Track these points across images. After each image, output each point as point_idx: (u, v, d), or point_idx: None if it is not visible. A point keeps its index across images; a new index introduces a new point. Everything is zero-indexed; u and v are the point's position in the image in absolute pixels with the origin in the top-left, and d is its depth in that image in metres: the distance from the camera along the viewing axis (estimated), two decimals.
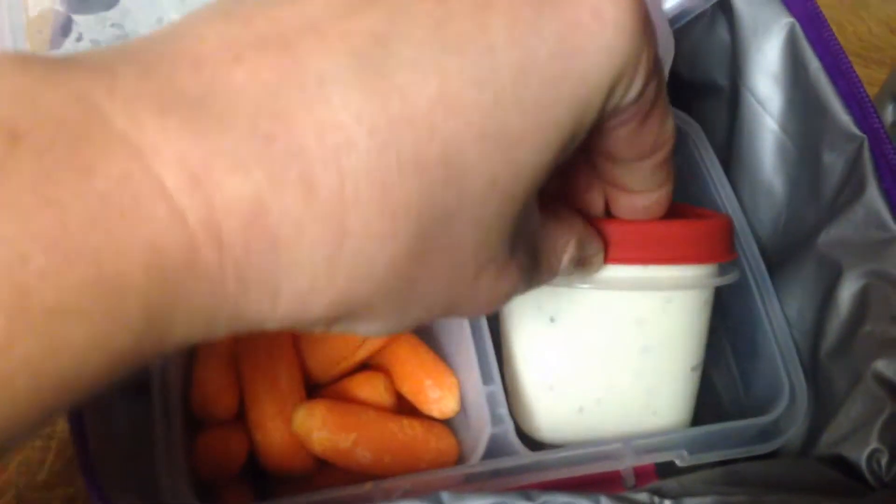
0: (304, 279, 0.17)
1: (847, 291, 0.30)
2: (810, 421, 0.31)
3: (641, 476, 0.31)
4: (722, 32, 0.37)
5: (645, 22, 0.19)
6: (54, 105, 0.15)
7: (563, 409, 0.31)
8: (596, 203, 0.26)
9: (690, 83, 0.40)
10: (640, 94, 0.20)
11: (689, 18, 0.35)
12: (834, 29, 0.48)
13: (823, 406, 0.30)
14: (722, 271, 0.30)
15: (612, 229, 0.26)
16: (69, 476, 0.38)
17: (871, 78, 0.45)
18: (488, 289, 0.20)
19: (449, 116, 0.17)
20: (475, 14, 0.17)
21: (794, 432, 0.31)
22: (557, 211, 0.24)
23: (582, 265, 0.26)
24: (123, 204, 0.14)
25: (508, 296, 0.21)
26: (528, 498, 0.25)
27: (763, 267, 0.34)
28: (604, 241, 0.26)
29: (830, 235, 0.32)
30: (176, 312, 0.16)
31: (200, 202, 0.15)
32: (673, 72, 0.40)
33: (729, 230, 0.29)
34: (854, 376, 0.29)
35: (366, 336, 0.21)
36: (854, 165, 0.31)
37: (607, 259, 0.27)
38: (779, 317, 0.33)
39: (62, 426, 0.38)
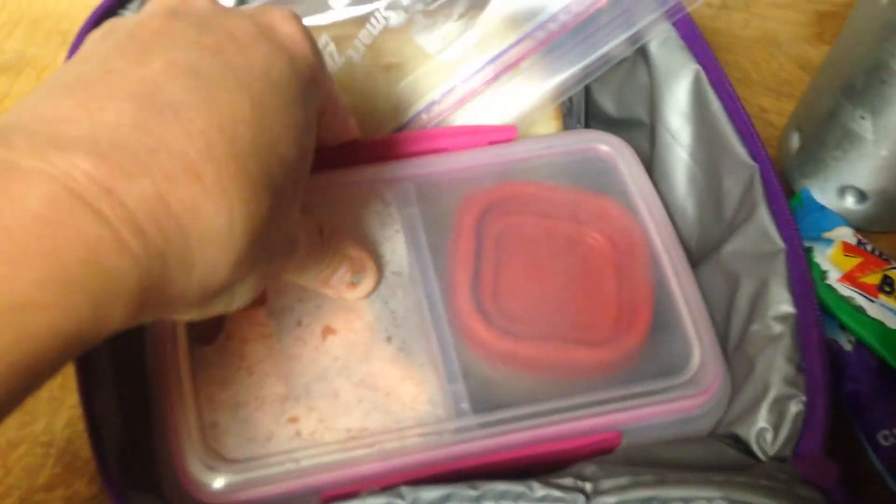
0: (210, 249, 0.21)
1: (743, 296, 0.35)
2: None
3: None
4: (642, 75, 0.42)
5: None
6: None
7: None
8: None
9: (618, 119, 0.45)
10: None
11: (614, 63, 0.40)
12: (750, 66, 0.54)
13: None
14: None
15: None
16: (67, 478, 0.41)
17: (781, 110, 0.50)
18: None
19: (252, 126, 0.23)
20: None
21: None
22: (331, 239, 0.31)
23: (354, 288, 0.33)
24: (55, 218, 0.19)
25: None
26: (473, 487, 0.29)
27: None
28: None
29: (731, 249, 0.37)
30: (113, 298, 0.20)
31: (116, 205, 0.20)
32: (603, 109, 0.45)
33: None
34: (748, 368, 0.34)
35: (238, 305, 0.26)
36: (748, 190, 0.36)
37: None
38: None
39: (61, 433, 0.42)
